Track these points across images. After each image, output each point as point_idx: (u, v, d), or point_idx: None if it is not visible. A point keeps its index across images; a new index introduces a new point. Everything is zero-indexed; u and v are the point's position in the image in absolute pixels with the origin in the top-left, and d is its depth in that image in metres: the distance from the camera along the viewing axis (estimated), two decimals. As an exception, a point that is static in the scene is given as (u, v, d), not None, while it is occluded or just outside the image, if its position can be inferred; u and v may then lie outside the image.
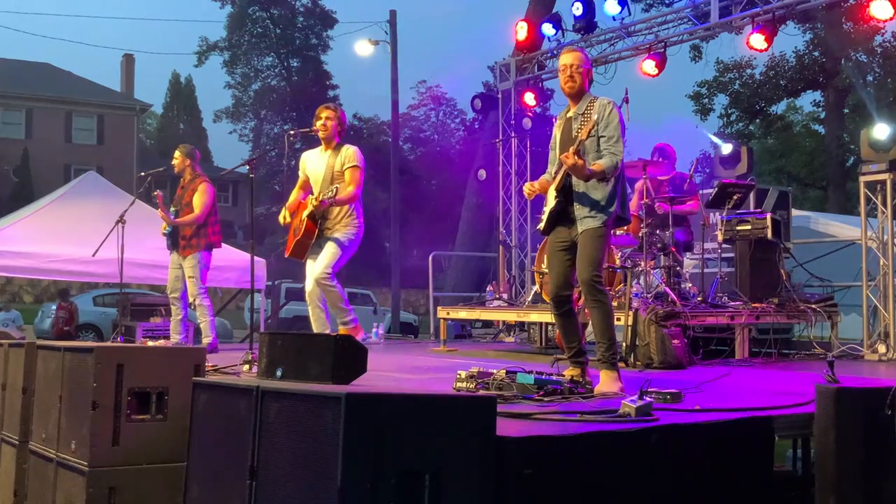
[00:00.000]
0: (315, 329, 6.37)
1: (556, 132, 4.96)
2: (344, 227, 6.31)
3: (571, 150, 4.52)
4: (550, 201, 4.81)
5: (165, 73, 64.76)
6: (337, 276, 6.29)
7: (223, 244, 8.65)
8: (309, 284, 6.30)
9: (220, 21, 43.10)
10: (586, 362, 4.80)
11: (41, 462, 4.30)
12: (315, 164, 6.46)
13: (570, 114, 4.87)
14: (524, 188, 5.11)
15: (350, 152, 6.31)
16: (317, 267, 6.22)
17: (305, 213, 6.26)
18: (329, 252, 6.23)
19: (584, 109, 4.76)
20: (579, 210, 4.69)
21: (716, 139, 10.69)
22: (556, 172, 4.80)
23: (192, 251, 7.81)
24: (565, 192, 4.74)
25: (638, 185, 8.13)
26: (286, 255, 6.47)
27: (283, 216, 6.47)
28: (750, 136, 31.78)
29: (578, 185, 4.68)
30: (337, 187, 6.13)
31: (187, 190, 7.99)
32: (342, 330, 6.24)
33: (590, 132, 4.56)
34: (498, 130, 12.85)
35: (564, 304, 4.81)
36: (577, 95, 4.84)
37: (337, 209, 6.29)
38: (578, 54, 4.87)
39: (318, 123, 6.39)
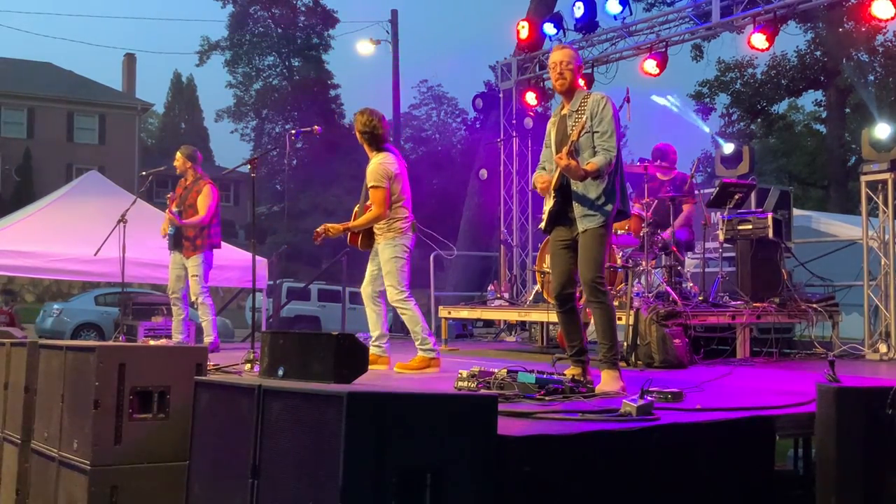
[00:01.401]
0: (369, 329, 6.12)
1: (551, 129, 4.94)
2: (386, 238, 5.95)
3: (564, 150, 4.50)
4: (549, 200, 4.82)
5: (167, 73, 64.96)
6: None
7: (225, 243, 8.68)
8: (365, 282, 6.14)
9: (221, 20, 43.13)
10: (588, 361, 4.80)
11: (43, 461, 4.31)
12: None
13: (564, 111, 4.86)
14: (534, 183, 4.99)
15: (371, 168, 5.96)
16: (388, 295, 5.96)
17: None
18: (387, 272, 5.92)
19: (578, 106, 4.75)
20: (578, 209, 4.68)
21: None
22: (554, 172, 4.79)
23: (196, 252, 7.85)
24: (563, 192, 4.74)
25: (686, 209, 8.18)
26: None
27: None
28: (751, 135, 31.76)
29: (576, 184, 4.67)
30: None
31: (190, 191, 8.01)
32: (420, 354, 5.86)
33: (581, 132, 4.55)
34: (499, 130, 12.85)
35: (567, 303, 4.82)
36: (569, 93, 4.83)
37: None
38: (568, 51, 4.84)
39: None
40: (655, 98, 10.17)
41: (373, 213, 5.93)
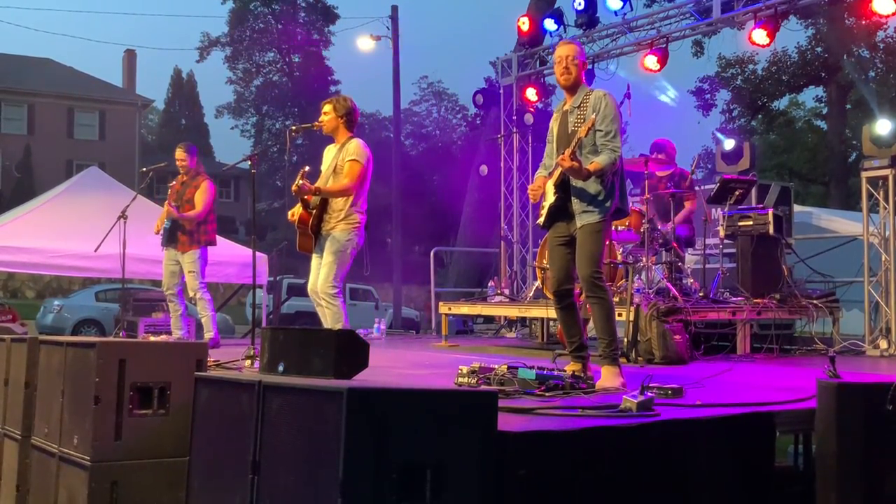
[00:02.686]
0: (325, 325, 5.95)
1: (553, 126, 4.95)
2: (342, 227, 5.91)
3: (567, 152, 4.51)
4: (549, 196, 4.81)
5: (167, 69, 64.72)
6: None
7: (225, 239, 8.69)
8: (311, 283, 6.00)
9: (221, 16, 43.24)
10: (588, 357, 4.80)
11: (43, 457, 4.31)
12: (327, 158, 6.21)
13: (566, 107, 4.86)
14: (529, 192, 5.07)
15: (351, 146, 5.97)
16: (319, 280, 5.87)
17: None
18: (328, 262, 5.87)
19: (581, 103, 4.76)
20: (578, 205, 4.68)
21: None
22: (554, 168, 4.79)
23: (192, 247, 7.84)
24: (564, 188, 4.74)
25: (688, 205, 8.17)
26: (297, 249, 6.14)
27: (293, 212, 6.12)
28: (752, 131, 31.73)
29: (577, 180, 4.68)
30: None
31: (188, 186, 8.01)
32: None
33: (589, 129, 4.55)
34: (499, 126, 12.84)
35: (566, 299, 4.82)
36: (572, 88, 4.84)
37: (340, 203, 5.94)
38: (574, 46, 4.86)
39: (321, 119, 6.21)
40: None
41: (344, 183, 5.89)
